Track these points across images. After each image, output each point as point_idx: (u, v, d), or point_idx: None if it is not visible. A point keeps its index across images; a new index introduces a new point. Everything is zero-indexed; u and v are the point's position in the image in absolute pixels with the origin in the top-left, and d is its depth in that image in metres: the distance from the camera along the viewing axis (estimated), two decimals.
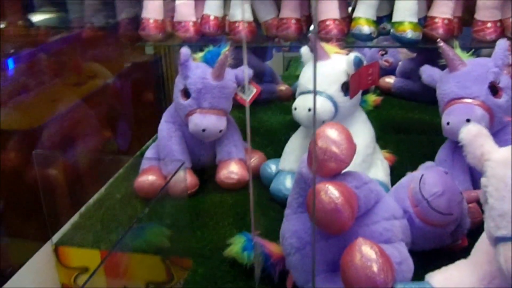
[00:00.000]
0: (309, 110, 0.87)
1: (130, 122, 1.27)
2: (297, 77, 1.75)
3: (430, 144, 1.02)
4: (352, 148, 0.66)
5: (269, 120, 1.40)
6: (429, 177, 0.71)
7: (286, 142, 1.08)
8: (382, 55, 1.59)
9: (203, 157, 1.03)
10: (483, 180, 0.54)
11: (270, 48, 1.53)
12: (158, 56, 1.37)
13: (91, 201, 0.98)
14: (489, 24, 1.00)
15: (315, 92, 0.85)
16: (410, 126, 1.32)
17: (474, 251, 0.61)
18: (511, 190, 0.49)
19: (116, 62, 1.33)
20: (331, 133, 0.65)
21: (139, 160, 1.07)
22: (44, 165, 0.99)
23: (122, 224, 0.94)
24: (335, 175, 0.66)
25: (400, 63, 1.56)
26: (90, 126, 1.17)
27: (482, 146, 0.54)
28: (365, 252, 0.57)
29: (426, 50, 1.30)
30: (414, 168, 0.92)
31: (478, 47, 1.06)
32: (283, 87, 1.55)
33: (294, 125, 1.30)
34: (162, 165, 0.99)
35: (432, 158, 0.95)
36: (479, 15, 1.01)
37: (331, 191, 0.61)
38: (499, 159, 0.52)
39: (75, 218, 0.94)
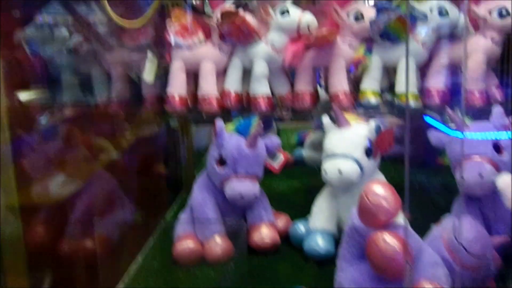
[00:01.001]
0: (340, 172, 0.99)
1: (145, 193, 1.34)
2: (291, 145, 1.91)
3: (432, 200, 1.16)
4: (398, 201, 0.77)
5: (278, 186, 1.51)
6: (462, 226, 0.82)
7: (300, 205, 1.18)
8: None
9: (232, 222, 1.11)
10: None
11: (271, 119, 1.67)
12: (168, 129, 1.48)
13: (131, 271, 1.01)
14: (476, 93, 1.19)
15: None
16: (411, 187, 1.45)
17: None
18: None
19: (126, 137, 1.42)
20: (379, 189, 0.77)
21: (167, 228, 1.13)
22: (78, 237, 1.03)
23: None
24: (385, 226, 0.77)
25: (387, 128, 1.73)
26: (112, 198, 1.22)
27: None
28: None
29: (415, 116, 1.48)
30: (427, 222, 1.04)
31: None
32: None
33: (302, 189, 1.43)
34: (198, 230, 1.05)
35: (436, 213, 1.07)
36: (468, 85, 1.20)
37: (389, 239, 0.71)
38: None
39: None
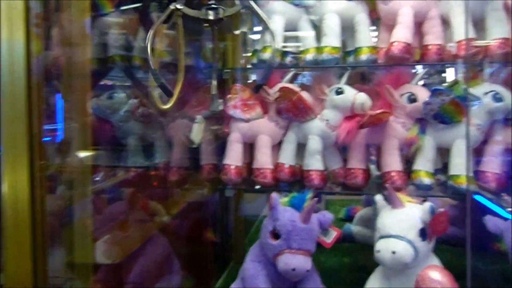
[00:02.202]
0: (393, 253, 1.03)
1: (197, 260, 1.41)
2: (340, 220, 1.94)
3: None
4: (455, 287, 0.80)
5: (327, 261, 1.54)
6: None
7: (349, 282, 1.20)
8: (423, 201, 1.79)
9: None
10: None
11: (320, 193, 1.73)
12: (221, 198, 1.57)
13: None
14: None
15: None
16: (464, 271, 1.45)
17: None
18: None
19: (181, 203, 1.52)
20: (435, 275, 0.81)
21: None
22: None
23: None
24: None
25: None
26: (166, 262, 1.29)
27: None
28: None
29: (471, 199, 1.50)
30: None
31: None
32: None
33: (352, 266, 1.45)
34: None
35: None
36: None
37: None
38: None
39: None
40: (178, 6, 0.96)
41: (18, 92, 0.82)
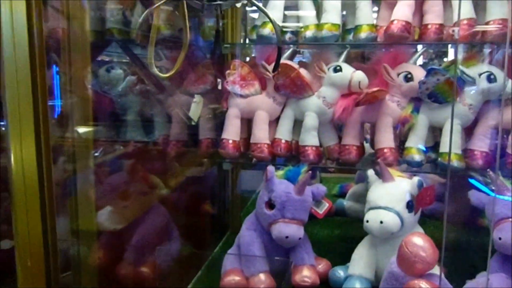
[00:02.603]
0: (381, 222, 1.14)
1: (195, 230, 1.52)
2: (333, 195, 2.05)
3: (470, 259, 1.27)
4: (435, 253, 0.91)
5: (319, 233, 1.66)
6: (496, 281, 0.95)
7: (340, 252, 1.32)
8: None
9: (277, 261, 1.27)
10: None
11: (316, 170, 1.83)
12: (219, 172, 1.68)
13: None
14: None
15: None
16: (449, 244, 1.57)
17: None
18: None
19: (180, 175, 1.62)
20: (418, 240, 0.92)
21: (214, 263, 1.30)
22: (136, 263, 1.22)
23: None
24: (422, 275, 0.91)
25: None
26: (165, 231, 1.40)
27: None
28: None
29: (458, 177, 1.60)
30: (463, 277, 1.16)
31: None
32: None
33: (343, 238, 1.57)
34: (244, 267, 1.22)
35: (474, 271, 1.18)
36: (510, 149, 1.33)
37: (425, 287, 0.85)
38: None
39: None
40: None
41: (22, 63, 0.82)
